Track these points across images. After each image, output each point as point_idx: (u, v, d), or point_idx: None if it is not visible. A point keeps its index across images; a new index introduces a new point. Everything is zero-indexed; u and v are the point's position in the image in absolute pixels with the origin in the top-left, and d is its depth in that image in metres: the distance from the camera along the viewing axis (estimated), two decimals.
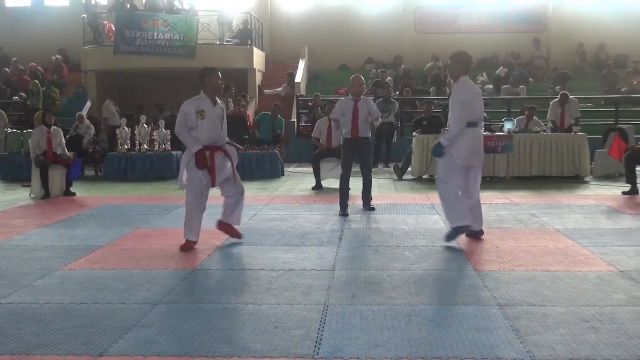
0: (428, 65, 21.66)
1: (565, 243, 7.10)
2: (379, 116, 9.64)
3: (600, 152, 13.92)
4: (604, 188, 11.96)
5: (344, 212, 9.00)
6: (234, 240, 7.30)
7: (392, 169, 14.61)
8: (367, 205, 9.45)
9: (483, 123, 7.34)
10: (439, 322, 4.51)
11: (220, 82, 7.04)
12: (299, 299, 5.10)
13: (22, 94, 20.35)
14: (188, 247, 6.94)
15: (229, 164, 7.03)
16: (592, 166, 13.76)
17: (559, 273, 5.82)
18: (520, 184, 12.60)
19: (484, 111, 7.38)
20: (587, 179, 13.27)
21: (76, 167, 11.86)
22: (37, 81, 20.01)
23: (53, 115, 11.88)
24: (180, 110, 6.92)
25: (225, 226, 7.28)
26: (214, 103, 6.93)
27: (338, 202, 9.19)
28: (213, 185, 7.01)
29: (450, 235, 7.04)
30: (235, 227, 7.33)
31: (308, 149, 14.13)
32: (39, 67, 21.97)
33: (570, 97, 14.29)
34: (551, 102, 14.47)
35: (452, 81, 7.39)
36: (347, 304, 4.96)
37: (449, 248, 6.88)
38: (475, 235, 7.23)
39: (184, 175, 6.94)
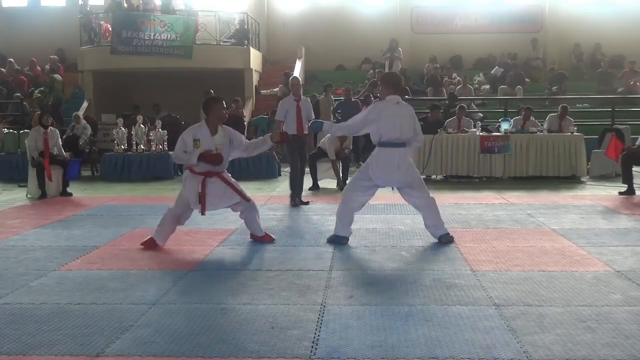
0: (426, 66, 21.66)
1: (562, 243, 7.11)
2: (313, 118, 10.10)
3: (597, 152, 13.93)
4: (601, 188, 11.98)
5: (295, 203, 9.88)
6: (231, 240, 7.32)
7: None
8: (300, 201, 10.06)
9: (412, 144, 7.05)
10: (436, 322, 4.51)
11: (224, 111, 7.08)
12: (296, 299, 5.10)
13: (17, 94, 20.32)
14: (150, 244, 7.04)
15: (229, 189, 6.97)
16: (588, 166, 13.77)
17: (556, 273, 5.83)
18: (516, 184, 12.61)
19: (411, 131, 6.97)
20: (583, 179, 13.28)
21: (74, 167, 11.84)
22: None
23: (50, 117, 11.87)
24: (180, 137, 6.98)
25: (256, 238, 7.31)
26: (214, 132, 6.91)
27: (290, 195, 10.05)
28: (202, 213, 6.97)
29: (330, 239, 7.19)
30: (263, 234, 7.29)
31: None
32: (39, 66, 21.95)
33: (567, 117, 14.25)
34: (549, 115, 14.41)
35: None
36: (344, 304, 4.96)
37: (445, 248, 6.89)
38: (441, 239, 7.15)
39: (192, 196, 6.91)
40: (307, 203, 10.04)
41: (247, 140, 7.28)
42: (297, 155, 10.09)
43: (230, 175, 7.16)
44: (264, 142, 7.19)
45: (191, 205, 6.96)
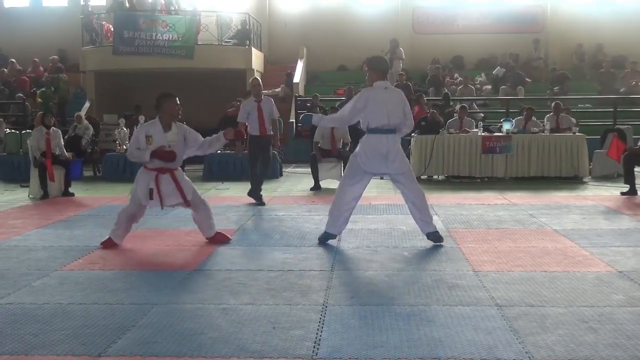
0: (429, 67, 21.64)
1: (564, 244, 7.10)
2: (278, 116, 10.50)
3: (599, 152, 13.92)
4: (603, 189, 11.97)
5: (259, 202, 10.06)
6: (232, 241, 7.32)
7: None
8: (256, 196, 10.21)
9: (401, 130, 6.94)
10: (438, 322, 4.51)
11: (177, 107, 7.02)
12: (298, 300, 5.10)
13: (20, 94, 20.35)
14: (108, 244, 7.11)
15: (184, 184, 7.03)
16: (590, 167, 13.77)
17: (558, 274, 5.83)
18: (518, 184, 12.60)
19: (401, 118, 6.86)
20: (585, 179, 13.27)
21: (76, 167, 11.85)
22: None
23: (52, 117, 11.89)
24: (133, 134, 7.10)
25: (211, 239, 7.29)
26: (167, 128, 6.93)
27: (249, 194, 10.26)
28: (161, 207, 7.07)
29: (320, 238, 7.20)
30: (213, 234, 7.28)
31: (307, 150, 14.12)
32: (41, 67, 21.98)
33: (562, 113, 14.22)
34: (547, 116, 14.40)
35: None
36: (346, 305, 4.96)
37: (447, 249, 6.89)
38: (429, 237, 7.09)
39: (142, 189, 6.97)
40: (263, 204, 10.07)
41: (203, 138, 7.20)
42: (259, 155, 10.24)
43: (184, 173, 7.18)
44: (218, 140, 7.18)
45: (142, 201, 7.00)
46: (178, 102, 7.06)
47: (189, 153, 7.21)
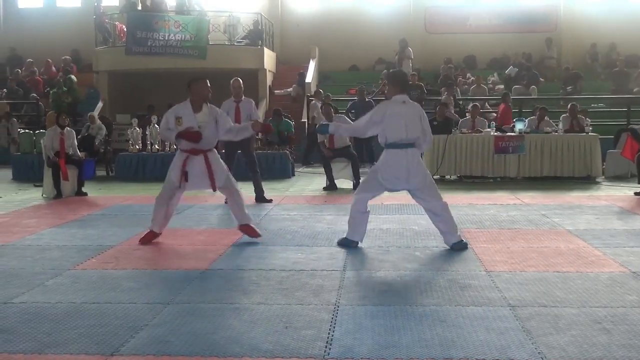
0: (442, 67, 21.59)
1: (577, 244, 7.08)
2: (258, 117, 10.54)
3: (612, 152, 13.85)
4: (616, 189, 11.91)
5: (267, 201, 10.21)
6: (245, 240, 7.32)
7: None
8: (262, 199, 10.32)
9: (421, 145, 6.92)
10: (450, 322, 4.50)
11: (207, 89, 7.13)
12: (310, 299, 5.11)
13: (33, 94, 20.49)
14: (148, 238, 7.22)
15: (217, 169, 7.10)
16: (603, 167, 13.69)
17: (571, 274, 5.80)
18: (531, 184, 12.56)
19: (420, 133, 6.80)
20: (598, 179, 13.21)
21: (89, 167, 11.90)
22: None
23: (67, 117, 11.95)
24: (164, 115, 7.18)
25: (241, 227, 7.36)
26: (198, 110, 7.03)
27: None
28: (183, 188, 7.12)
29: (340, 242, 7.11)
30: (251, 225, 7.35)
31: (318, 150, 14.10)
32: (54, 66, 22.12)
33: (579, 115, 14.18)
34: (562, 116, 14.34)
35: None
36: (357, 305, 4.96)
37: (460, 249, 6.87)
38: (453, 247, 6.91)
39: (174, 171, 7.10)
40: (270, 201, 10.24)
41: (232, 124, 7.35)
42: (234, 156, 10.25)
43: (219, 157, 7.22)
44: (246, 129, 7.37)
45: (174, 181, 7.05)
46: (209, 85, 7.15)
47: (221, 136, 7.29)
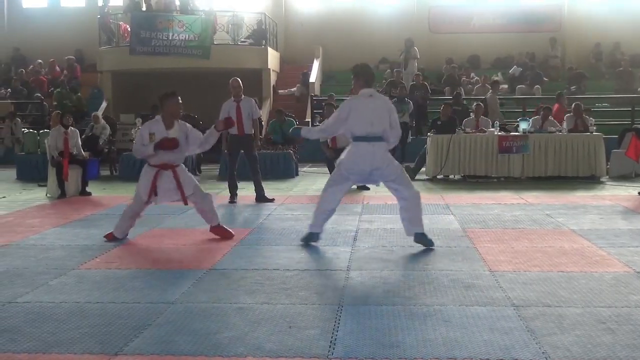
0: (444, 67, 21.58)
1: (581, 244, 7.06)
2: (259, 116, 10.66)
3: (617, 152, 13.82)
4: (620, 188, 11.89)
5: (232, 201, 10.28)
6: (249, 240, 7.34)
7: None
8: (263, 199, 10.35)
9: (388, 140, 6.81)
10: (454, 322, 4.50)
11: (177, 106, 7.27)
12: (314, 299, 5.10)
13: (37, 94, 20.53)
14: (110, 237, 7.41)
15: (186, 180, 7.29)
16: (608, 166, 13.66)
17: (575, 274, 5.79)
18: (535, 184, 12.54)
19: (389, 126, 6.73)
20: (603, 179, 13.19)
21: (93, 166, 11.92)
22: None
23: (71, 117, 11.97)
24: (138, 132, 7.44)
25: (212, 229, 7.54)
26: (170, 126, 7.19)
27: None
28: (147, 202, 7.31)
29: (303, 238, 7.13)
30: (217, 224, 7.51)
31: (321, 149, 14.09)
32: (58, 66, 22.18)
33: (583, 115, 14.16)
34: (566, 115, 14.33)
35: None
36: (361, 304, 4.96)
37: (464, 249, 6.86)
38: (415, 238, 6.87)
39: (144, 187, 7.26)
40: (272, 200, 10.35)
41: (204, 134, 7.44)
42: (237, 155, 10.42)
43: (185, 169, 7.44)
44: (212, 133, 7.40)
45: (142, 196, 7.24)
46: (180, 101, 7.30)
47: (192, 151, 7.55)
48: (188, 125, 7.43)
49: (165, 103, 7.21)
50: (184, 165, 7.42)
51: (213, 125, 7.37)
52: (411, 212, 6.86)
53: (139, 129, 14.66)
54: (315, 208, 7.20)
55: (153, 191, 7.17)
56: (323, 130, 7.48)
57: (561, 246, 6.96)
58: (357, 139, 6.74)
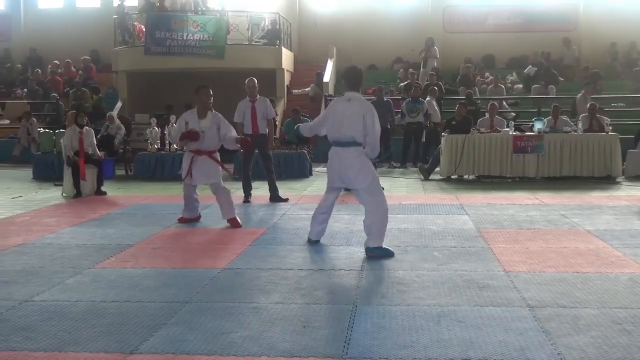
0: (461, 66, 21.50)
1: (597, 244, 7.02)
2: (274, 116, 10.92)
3: (633, 152, 13.75)
4: (636, 189, 11.81)
5: (246, 200, 10.41)
6: (263, 239, 7.35)
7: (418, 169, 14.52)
8: (278, 198, 10.47)
9: (366, 150, 6.59)
10: (469, 323, 4.49)
11: (206, 97, 8.25)
12: (328, 299, 5.11)
13: (54, 94, 20.66)
14: (182, 220, 8.46)
15: (213, 167, 8.24)
16: (624, 166, 13.58)
17: (590, 275, 5.76)
18: (550, 184, 12.48)
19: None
20: (618, 179, 13.11)
21: (108, 166, 11.98)
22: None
23: (85, 116, 12.03)
24: (177, 121, 8.67)
25: (229, 221, 8.23)
26: (202, 116, 8.21)
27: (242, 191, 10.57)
28: (192, 183, 8.31)
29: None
30: (232, 217, 8.20)
31: None
32: (73, 66, 22.33)
33: (599, 115, 14.08)
34: (581, 115, 14.25)
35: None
36: (375, 304, 4.96)
37: (478, 249, 6.84)
38: (367, 251, 6.57)
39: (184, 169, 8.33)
40: (286, 200, 10.46)
41: (232, 133, 8.37)
42: (252, 154, 10.49)
43: (219, 160, 8.33)
44: (232, 140, 8.34)
45: (183, 177, 8.28)
46: (210, 92, 8.28)
47: (224, 142, 8.38)
48: (220, 116, 8.35)
49: (198, 93, 8.24)
50: (218, 156, 8.34)
51: (234, 137, 8.34)
52: (370, 225, 6.58)
53: (153, 128, 14.82)
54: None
55: (189, 172, 8.15)
56: (311, 129, 7.50)
57: (576, 247, 6.93)
58: (332, 142, 6.79)
